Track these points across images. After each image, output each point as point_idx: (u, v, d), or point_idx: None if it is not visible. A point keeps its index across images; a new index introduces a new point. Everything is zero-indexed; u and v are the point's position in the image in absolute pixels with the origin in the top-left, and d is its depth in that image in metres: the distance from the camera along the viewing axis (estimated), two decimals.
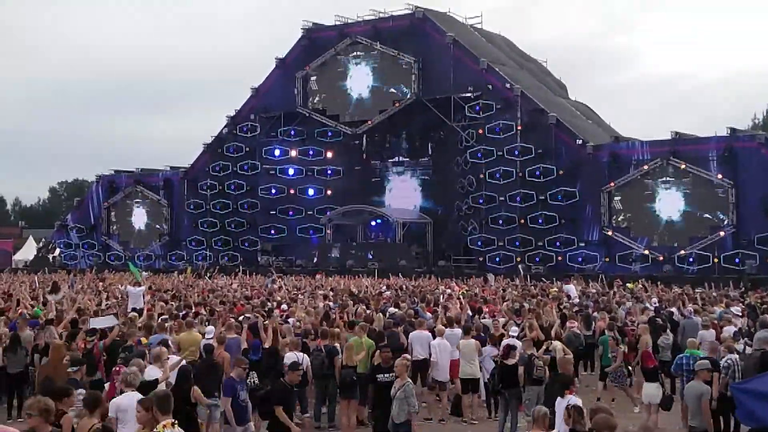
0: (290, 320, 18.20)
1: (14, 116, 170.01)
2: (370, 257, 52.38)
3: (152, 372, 11.84)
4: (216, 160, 61.93)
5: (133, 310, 20.68)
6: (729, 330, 17.37)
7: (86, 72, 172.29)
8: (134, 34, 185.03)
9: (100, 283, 33.28)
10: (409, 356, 14.11)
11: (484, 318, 19.46)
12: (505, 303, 22.23)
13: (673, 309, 21.55)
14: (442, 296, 25.09)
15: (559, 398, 11.30)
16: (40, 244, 74.17)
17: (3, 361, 15.28)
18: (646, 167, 46.87)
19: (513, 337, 15.88)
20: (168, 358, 12.65)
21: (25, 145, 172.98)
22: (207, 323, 17.16)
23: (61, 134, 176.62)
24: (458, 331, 16.59)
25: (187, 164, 65.44)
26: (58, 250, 68.73)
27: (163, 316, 17.96)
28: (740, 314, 20.84)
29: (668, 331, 18.50)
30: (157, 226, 65.83)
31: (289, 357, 14.14)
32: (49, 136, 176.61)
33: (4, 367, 15.28)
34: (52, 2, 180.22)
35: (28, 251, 74.73)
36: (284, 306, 21.58)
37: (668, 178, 46.66)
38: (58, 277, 40.17)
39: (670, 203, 46.49)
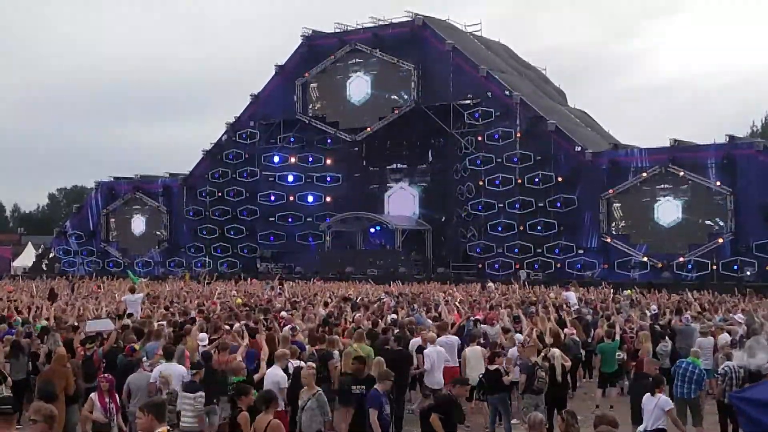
0: (285, 328, 18.15)
1: (13, 122, 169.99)
2: (370, 264, 52.37)
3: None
4: (215, 167, 61.97)
5: (129, 315, 20.56)
6: (724, 337, 17.37)
7: (86, 78, 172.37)
8: (134, 41, 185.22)
9: (99, 289, 33.26)
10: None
11: (483, 325, 19.42)
12: (505, 310, 22.15)
13: (671, 316, 21.53)
14: (442, 302, 25.01)
15: (648, 395, 11.73)
16: (39, 251, 74.13)
17: (5, 368, 15.21)
18: (645, 174, 46.94)
19: (516, 344, 15.86)
20: None
21: (24, 151, 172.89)
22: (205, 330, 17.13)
23: (60, 140, 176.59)
24: (453, 338, 16.54)
25: (186, 171, 65.49)
26: (52, 254, 68.58)
27: (160, 323, 17.91)
28: (741, 321, 20.83)
29: (667, 338, 18.49)
30: (157, 233, 65.83)
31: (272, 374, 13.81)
32: (49, 143, 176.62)
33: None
34: (52, 8, 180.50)
35: (27, 258, 74.66)
36: (284, 314, 21.54)
37: (667, 186, 46.75)
38: (56, 283, 40.12)
39: (668, 210, 46.56)
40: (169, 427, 8.17)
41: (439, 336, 16.35)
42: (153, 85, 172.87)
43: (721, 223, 44.88)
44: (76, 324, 16.96)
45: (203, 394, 12.39)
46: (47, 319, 18.63)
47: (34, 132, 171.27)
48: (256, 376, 12.84)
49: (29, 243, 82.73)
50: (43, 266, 67.14)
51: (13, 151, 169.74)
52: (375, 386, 12.06)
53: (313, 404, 11.55)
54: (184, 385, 12.49)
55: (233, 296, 28.40)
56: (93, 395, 12.09)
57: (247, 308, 22.92)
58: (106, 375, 12.46)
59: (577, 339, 18.19)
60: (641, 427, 11.68)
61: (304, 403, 11.55)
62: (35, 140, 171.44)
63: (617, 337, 17.77)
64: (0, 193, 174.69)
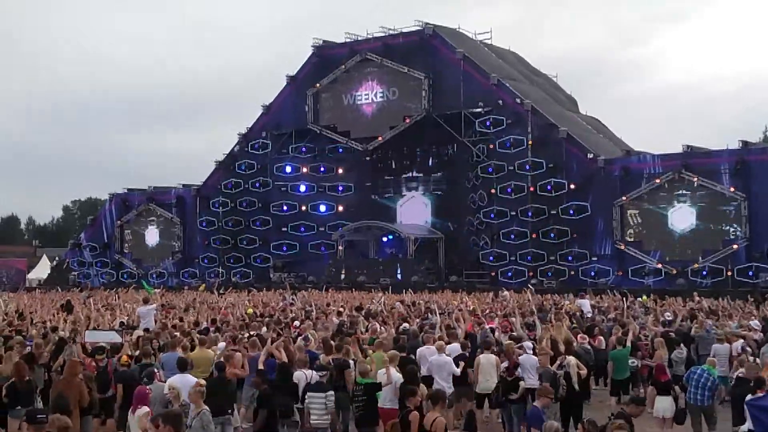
0: (299, 337, 18.21)
1: (27, 134, 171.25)
2: (382, 273, 52.37)
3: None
4: (228, 178, 62.20)
5: (146, 330, 20.58)
6: (737, 345, 17.32)
7: (99, 90, 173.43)
8: (147, 53, 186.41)
9: (113, 300, 33.39)
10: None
11: (495, 333, 19.39)
12: (518, 318, 22.10)
13: (686, 323, 21.47)
14: (456, 310, 24.99)
15: (750, 396, 12.06)
16: (54, 263, 74.51)
17: None
18: (658, 181, 46.80)
19: (528, 353, 15.81)
20: None
21: (38, 163, 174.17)
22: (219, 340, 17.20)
23: (73, 152, 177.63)
24: (446, 358, 16.20)
25: (199, 182, 65.73)
26: (67, 264, 68.92)
27: (175, 333, 17.99)
28: (758, 327, 20.75)
29: (682, 345, 18.43)
30: (170, 244, 66.06)
31: (298, 376, 14.09)
32: (62, 155, 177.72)
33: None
34: (66, 18, 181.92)
35: (42, 270, 75.08)
36: (297, 323, 21.59)
37: (680, 192, 46.57)
38: (72, 295, 40.33)
39: (682, 217, 46.38)
40: None
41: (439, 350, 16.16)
42: (166, 97, 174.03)
43: (736, 229, 44.67)
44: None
45: (333, 392, 12.96)
46: (63, 331, 18.73)
47: (48, 144, 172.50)
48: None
49: (44, 255, 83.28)
50: (65, 277, 67.32)
51: (28, 164, 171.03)
52: (535, 403, 12.27)
53: (197, 423, 11.07)
54: (312, 386, 13.14)
55: (245, 306, 28.45)
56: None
57: (259, 318, 23.00)
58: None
59: (589, 347, 18.14)
60: (744, 427, 12.04)
61: (190, 422, 11.06)
62: (49, 153, 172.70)
63: (629, 344, 17.72)
64: (15, 205, 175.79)
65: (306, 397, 13.17)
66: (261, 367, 14.43)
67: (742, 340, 18.00)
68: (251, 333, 18.35)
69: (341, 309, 26.21)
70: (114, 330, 17.68)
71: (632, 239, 48.05)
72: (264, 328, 19.52)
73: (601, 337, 19.55)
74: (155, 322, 21.97)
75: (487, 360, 15.61)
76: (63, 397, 11.84)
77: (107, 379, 14.19)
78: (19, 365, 13.34)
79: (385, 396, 13.38)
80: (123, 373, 13.95)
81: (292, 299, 33.29)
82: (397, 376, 13.37)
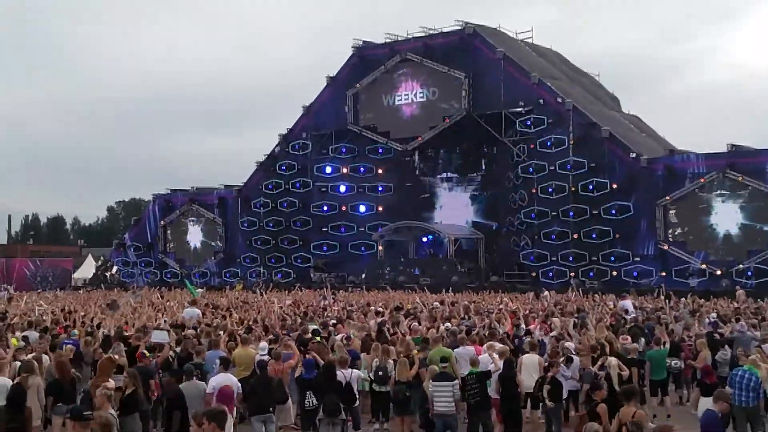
0: (337, 337, 18.31)
1: (73, 137, 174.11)
2: (421, 273, 52.34)
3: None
4: (269, 178, 62.64)
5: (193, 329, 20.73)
6: None
7: (142, 93, 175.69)
8: (189, 56, 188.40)
9: (158, 299, 33.86)
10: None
11: (535, 334, 19.30)
12: (557, 319, 21.96)
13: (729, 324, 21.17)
14: (496, 311, 24.94)
15: None
16: (99, 263, 75.64)
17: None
18: (702, 180, 46.15)
19: (572, 354, 15.73)
20: None
21: (83, 165, 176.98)
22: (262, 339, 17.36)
23: (118, 154, 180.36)
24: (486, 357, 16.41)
25: (240, 182, 66.31)
26: (115, 268, 70.02)
27: (219, 333, 18.20)
28: None
29: (726, 346, 18.18)
30: (212, 244, 66.72)
31: (338, 375, 14.19)
32: (107, 157, 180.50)
33: None
34: (107, 25, 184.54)
35: (87, 269, 76.26)
36: (333, 322, 21.72)
37: (725, 191, 45.87)
38: (117, 294, 40.94)
39: (727, 216, 45.67)
40: None
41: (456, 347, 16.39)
42: (207, 99, 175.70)
43: None
44: (139, 334, 17.28)
45: (458, 382, 13.51)
46: (108, 330, 19.03)
47: (92, 147, 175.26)
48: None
49: (89, 255, 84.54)
50: (108, 276, 68.34)
51: (73, 166, 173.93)
52: (711, 407, 11.24)
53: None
54: (438, 375, 13.67)
55: (286, 305, 28.65)
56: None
57: (301, 318, 23.17)
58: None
59: (630, 347, 17.95)
60: None
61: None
62: (94, 155, 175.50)
63: (667, 345, 17.54)
64: (60, 206, 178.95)
65: (431, 386, 13.73)
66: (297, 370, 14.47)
67: None
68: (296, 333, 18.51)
69: (380, 309, 26.29)
70: (165, 330, 17.89)
71: (676, 239, 47.44)
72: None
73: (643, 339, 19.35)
74: (199, 322, 22.20)
75: (530, 360, 15.59)
76: (87, 393, 11.97)
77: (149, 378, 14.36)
78: (62, 363, 13.52)
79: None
80: (140, 369, 14.03)
81: (332, 299, 33.44)
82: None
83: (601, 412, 11.26)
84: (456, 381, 13.80)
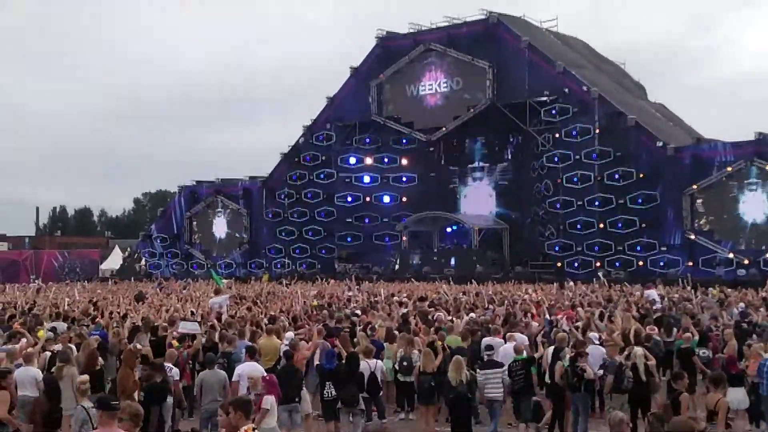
0: (362, 327, 18.35)
1: (99, 130, 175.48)
2: (446, 264, 52.25)
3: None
4: (293, 169, 62.78)
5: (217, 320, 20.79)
6: None
7: (166, 84, 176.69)
8: (212, 47, 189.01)
9: (183, 291, 34.07)
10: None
11: (562, 324, 19.21)
12: (585, 309, 21.86)
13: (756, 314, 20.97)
14: (521, 301, 24.84)
15: None
16: (126, 254, 76.24)
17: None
18: (729, 169, 45.68)
19: (595, 344, 15.64)
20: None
21: (110, 157, 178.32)
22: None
23: (144, 146, 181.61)
24: (522, 337, 16.57)
25: (265, 173, 66.51)
26: (143, 260, 70.55)
27: (244, 323, 18.26)
28: None
29: (755, 336, 18.00)
30: (237, 235, 67.05)
31: (362, 366, 14.20)
32: (133, 149, 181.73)
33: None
34: (132, 16, 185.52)
35: (114, 261, 76.88)
36: (358, 312, 21.73)
37: (753, 180, 45.40)
38: (144, 285, 41.25)
39: (754, 205, 45.23)
40: (254, 426, 8.32)
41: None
42: (232, 90, 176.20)
43: None
44: (167, 325, 17.39)
45: (506, 368, 14.12)
46: (134, 321, 19.16)
47: (119, 139, 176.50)
48: None
49: (116, 246, 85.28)
50: (137, 268, 68.88)
51: (100, 158, 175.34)
52: None
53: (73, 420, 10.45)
54: (486, 363, 14.36)
55: (312, 297, 28.73)
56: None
57: (325, 309, 23.23)
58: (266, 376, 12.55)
59: (658, 338, 17.83)
60: None
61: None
62: (120, 147, 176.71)
63: (696, 335, 17.40)
64: (87, 198, 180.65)
65: (480, 374, 14.19)
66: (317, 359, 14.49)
67: None
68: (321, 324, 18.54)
69: (405, 299, 26.30)
70: (195, 320, 17.98)
71: (703, 229, 47.01)
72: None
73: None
74: (226, 312, 22.28)
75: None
76: (120, 384, 12.07)
77: (180, 369, 14.47)
78: (90, 354, 13.63)
79: None
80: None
81: (357, 289, 33.48)
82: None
83: (683, 401, 11.33)
84: (504, 368, 14.26)
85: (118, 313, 21.46)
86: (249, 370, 12.83)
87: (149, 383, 12.48)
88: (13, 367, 12.76)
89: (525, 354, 14.86)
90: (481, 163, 61.67)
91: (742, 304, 24.43)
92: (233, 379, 12.98)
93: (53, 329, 17.23)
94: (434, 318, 19.95)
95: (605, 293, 29.94)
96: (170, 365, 13.63)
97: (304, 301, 25.98)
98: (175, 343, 15.37)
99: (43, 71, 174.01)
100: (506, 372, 14.20)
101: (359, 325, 18.88)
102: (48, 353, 14.52)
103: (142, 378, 12.63)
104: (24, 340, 15.04)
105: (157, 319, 19.16)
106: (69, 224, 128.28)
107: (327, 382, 13.63)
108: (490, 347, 14.93)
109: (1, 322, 19.25)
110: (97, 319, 19.57)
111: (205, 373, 13.29)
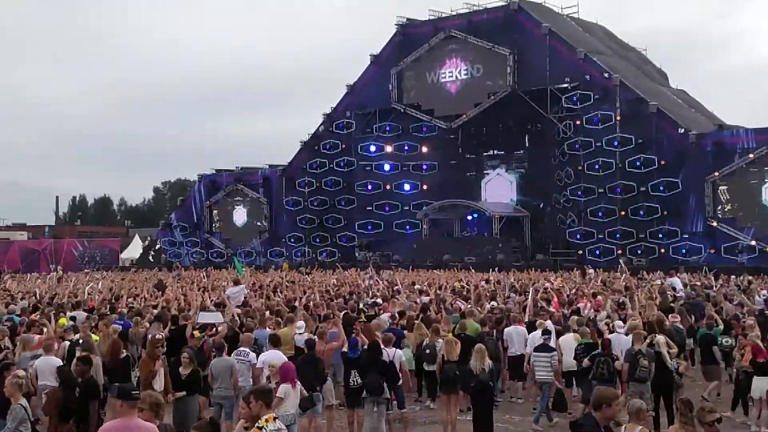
0: (384, 315, 18.27)
1: (119, 120, 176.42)
2: (467, 251, 52.08)
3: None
4: (313, 158, 62.80)
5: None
6: None
7: (186, 74, 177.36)
8: (232, 37, 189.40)
9: (204, 279, 34.16)
10: None
11: (585, 312, 19.05)
12: (608, 297, 21.66)
13: None
14: (542, 289, 24.66)
15: None
16: (146, 243, 76.66)
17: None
18: (752, 156, 45.25)
19: (619, 332, 15.51)
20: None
21: (130, 147, 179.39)
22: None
23: (164, 135, 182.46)
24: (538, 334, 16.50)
25: (285, 162, 66.61)
26: (159, 245, 70.76)
27: (264, 311, 18.23)
28: None
29: None
30: (257, 223, 67.23)
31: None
32: (153, 138, 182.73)
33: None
34: (152, 8, 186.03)
35: (134, 250, 77.34)
36: (378, 300, 21.66)
37: None
38: (164, 274, 41.42)
39: None
40: (275, 415, 8.26)
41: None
42: (250, 80, 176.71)
43: None
44: (176, 314, 17.39)
45: (556, 353, 14.60)
46: (155, 308, 19.19)
47: (139, 128, 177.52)
48: None
49: (136, 235, 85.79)
50: (150, 257, 69.35)
51: (120, 148, 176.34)
52: None
53: (11, 423, 9.86)
54: (539, 346, 14.69)
55: (331, 286, 28.70)
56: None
57: (344, 297, 23.17)
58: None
59: (681, 327, 17.64)
60: None
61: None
62: (140, 136, 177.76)
63: (720, 324, 17.21)
64: (107, 187, 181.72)
65: (532, 357, 14.89)
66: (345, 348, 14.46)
67: None
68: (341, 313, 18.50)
69: (425, 288, 26.22)
70: (217, 311, 17.96)
71: (725, 216, 46.60)
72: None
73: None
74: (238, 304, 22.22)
75: (566, 341, 15.43)
76: (141, 374, 12.08)
77: (203, 357, 14.47)
78: (113, 343, 13.65)
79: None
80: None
81: (377, 278, 33.41)
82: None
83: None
84: (554, 352, 14.66)
85: (145, 298, 21.50)
86: (270, 357, 12.85)
87: (187, 374, 12.48)
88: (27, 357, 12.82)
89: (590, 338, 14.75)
90: (502, 151, 61.37)
91: (764, 292, 24.19)
92: (257, 365, 13.05)
93: (73, 318, 17.28)
94: (453, 306, 19.87)
95: (626, 280, 29.71)
96: (247, 350, 13.71)
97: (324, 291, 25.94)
98: (196, 333, 15.37)
99: (65, 63, 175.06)
100: (554, 356, 14.54)
101: (380, 314, 18.81)
102: (67, 343, 14.56)
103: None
104: (45, 329, 15.07)
105: (185, 308, 18.98)
106: (89, 213, 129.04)
107: (352, 371, 13.62)
108: (547, 331, 15.15)
109: (24, 311, 19.33)
110: (119, 309, 19.60)
111: (215, 361, 13.37)
